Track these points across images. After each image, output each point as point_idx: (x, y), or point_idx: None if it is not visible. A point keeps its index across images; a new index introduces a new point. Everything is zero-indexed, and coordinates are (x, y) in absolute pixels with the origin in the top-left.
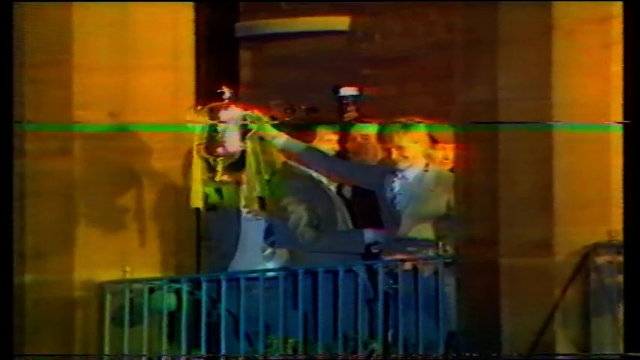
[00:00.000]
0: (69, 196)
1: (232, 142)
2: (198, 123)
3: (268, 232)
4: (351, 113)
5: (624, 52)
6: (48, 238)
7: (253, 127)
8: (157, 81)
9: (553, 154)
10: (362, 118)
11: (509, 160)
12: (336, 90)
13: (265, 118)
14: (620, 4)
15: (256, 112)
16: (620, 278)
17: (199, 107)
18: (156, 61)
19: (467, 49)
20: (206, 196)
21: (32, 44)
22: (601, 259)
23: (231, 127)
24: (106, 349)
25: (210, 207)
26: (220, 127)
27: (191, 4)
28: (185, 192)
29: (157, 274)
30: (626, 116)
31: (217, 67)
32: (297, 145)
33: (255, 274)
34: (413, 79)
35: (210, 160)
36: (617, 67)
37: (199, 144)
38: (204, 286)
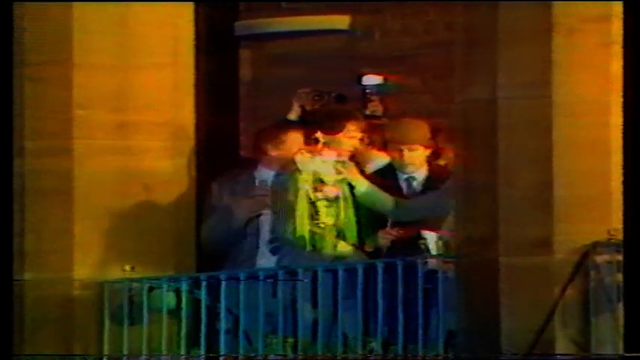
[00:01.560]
0: (68, 195)
1: (330, 187)
2: (303, 165)
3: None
4: (375, 106)
5: (624, 51)
6: (47, 236)
7: (342, 172)
8: (156, 79)
9: (553, 152)
10: (387, 112)
11: (509, 158)
12: (359, 78)
13: (351, 165)
14: (620, 2)
15: (344, 158)
16: (620, 277)
17: (302, 150)
18: (156, 59)
19: (467, 47)
20: (311, 237)
21: (32, 43)
22: (600, 258)
23: (326, 172)
24: (106, 348)
25: (312, 247)
26: (318, 172)
27: (191, 3)
28: (185, 190)
29: (157, 273)
30: (625, 116)
31: (217, 66)
32: (378, 194)
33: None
34: (412, 77)
35: (316, 202)
36: (617, 66)
37: (307, 187)
38: (203, 284)
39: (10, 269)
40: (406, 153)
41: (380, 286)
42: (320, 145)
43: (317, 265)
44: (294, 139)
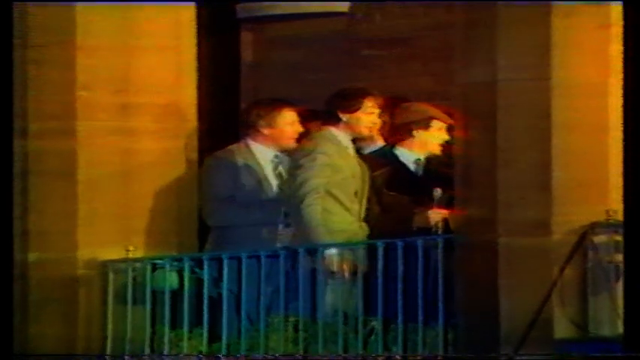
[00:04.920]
0: (72, 176)
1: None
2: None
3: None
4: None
5: (624, 51)
6: (51, 217)
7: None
8: (159, 62)
9: (551, 134)
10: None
11: (508, 140)
12: None
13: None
14: None
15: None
16: (618, 257)
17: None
18: (158, 41)
19: (466, 30)
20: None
21: (35, 25)
22: (598, 239)
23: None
24: (109, 327)
25: None
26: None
27: None
28: (187, 171)
29: (159, 253)
30: (626, 101)
31: (219, 48)
32: None
33: (256, 253)
34: (413, 59)
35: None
36: (615, 48)
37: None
38: (206, 264)
39: (11, 271)
40: (415, 135)
41: (380, 265)
42: (342, 124)
43: (317, 246)
44: (287, 117)
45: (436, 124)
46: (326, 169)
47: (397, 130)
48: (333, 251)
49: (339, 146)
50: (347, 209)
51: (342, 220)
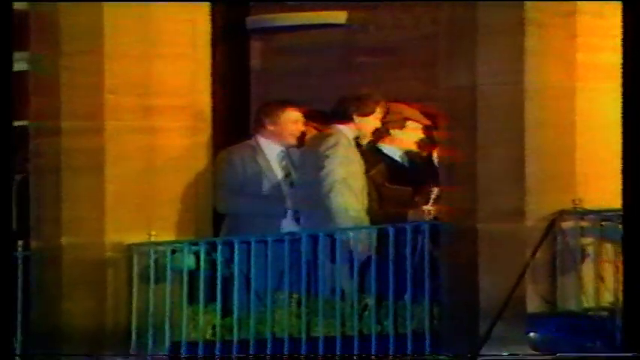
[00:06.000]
0: (100, 169)
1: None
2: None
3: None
4: None
5: (624, 50)
6: (82, 206)
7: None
8: (177, 68)
9: (525, 132)
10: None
11: (487, 137)
12: None
13: None
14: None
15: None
16: (583, 240)
17: None
18: (177, 50)
19: (450, 40)
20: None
21: (67, 36)
22: (566, 224)
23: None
24: (134, 303)
25: None
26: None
27: (207, 0)
28: (203, 165)
29: (178, 238)
30: (625, 105)
31: (230, 56)
32: None
33: (263, 238)
34: (403, 66)
35: None
36: (581, 56)
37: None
38: (219, 248)
39: (10, 272)
40: (392, 134)
41: (373, 249)
42: (353, 124)
43: (318, 232)
44: (291, 115)
45: (411, 125)
46: (346, 161)
47: (376, 130)
48: (356, 235)
49: (350, 142)
50: (358, 199)
51: (355, 209)
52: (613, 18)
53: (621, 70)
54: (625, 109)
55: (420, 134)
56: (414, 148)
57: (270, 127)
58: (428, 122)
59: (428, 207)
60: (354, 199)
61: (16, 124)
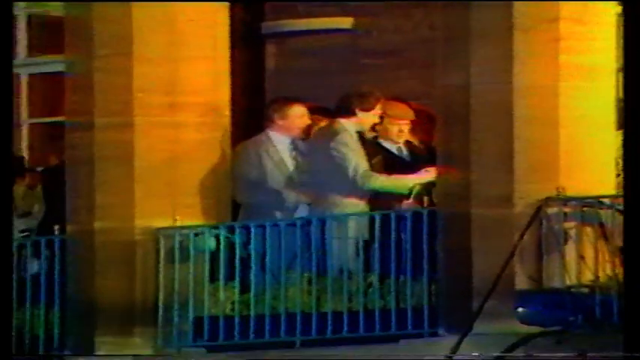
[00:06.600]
0: (130, 160)
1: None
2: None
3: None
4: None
5: (624, 50)
6: (113, 193)
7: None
8: (199, 69)
9: (513, 127)
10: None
11: (479, 132)
12: None
13: None
14: (566, 6)
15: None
16: (566, 225)
17: None
18: (198, 53)
19: (445, 43)
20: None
21: (100, 40)
22: (551, 210)
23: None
24: (161, 281)
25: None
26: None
27: (226, 7)
28: (222, 156)
29: (201, 222)
30: (626, 102)
31: (247, 58)
32: None
33: (276, 222)
34: (403, 67)
35: None
36: (564, 58)
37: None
38: (237, 231)
39: (10, 271)
40: (397, 127)
41: (377, 233)
42: (355, 118)
43: (326, 217)
44: (296, 111)
45: (387, 120)
46: (360, 153)
47: (375, 124)
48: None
49: (352, 135)
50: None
51: (390, 186)
52: (592, 23)
53: (622, 70)
54: (625, 108)
55: (403, 127)
56: (400, 139)
57: (279, 122)
58: (406, 120)
59: (406, 202)
60: (384, 178)
61: (53, 119)
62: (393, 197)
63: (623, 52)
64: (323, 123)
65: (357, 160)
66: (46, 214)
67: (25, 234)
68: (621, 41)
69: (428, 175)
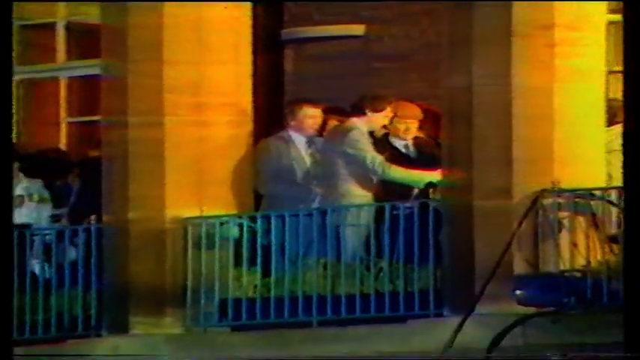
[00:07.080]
0: (161, 156)
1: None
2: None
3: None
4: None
5: (624, 50)
6: (146, 185)
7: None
8: (224, 72)
9: (512, 125)
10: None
11: (481, 129)
12: None
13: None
14: (560, 14)
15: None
16: (560, 215)
17: None
18: (223, 57)
19: (450, 48)
20: None
21: (133, 45)
22: (546, 201)
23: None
24: (189, 267)
25: None
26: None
27: (249, 14)
28: (245, 152)
29: (225, 212)
30: (626, 102)
31: (268, 62)
32: None
33: (296, 212)
34: (411, 70)
35: None
36: (559, 62)
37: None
38: (259, 220)
39: (10, 271)
40: (405, 125)
41: (387, 222)
42: (365, 118)
43: (341, 207)
44: (307, 112)
45: (396, 119)
46: (372, 148)
47: (385, 125)
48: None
49: (363, 133)
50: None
51: (407, 176)
52: (584, 30)
53: (612, 73)
54: (626, 108)
55: (410, 125)
56: (408, 136)
57: (293, 122)
58: (420, 117)
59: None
60: (402, 169)
61: (89, 118)
62: (400, 189)
63: (623, 53)
64: (337, 122)
65: (372, 152)
66: (77, 204)
67: (56, 219)
68: (611, 47)
69: (439, 174)
